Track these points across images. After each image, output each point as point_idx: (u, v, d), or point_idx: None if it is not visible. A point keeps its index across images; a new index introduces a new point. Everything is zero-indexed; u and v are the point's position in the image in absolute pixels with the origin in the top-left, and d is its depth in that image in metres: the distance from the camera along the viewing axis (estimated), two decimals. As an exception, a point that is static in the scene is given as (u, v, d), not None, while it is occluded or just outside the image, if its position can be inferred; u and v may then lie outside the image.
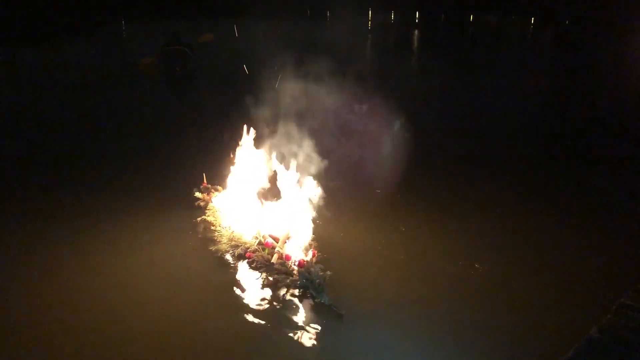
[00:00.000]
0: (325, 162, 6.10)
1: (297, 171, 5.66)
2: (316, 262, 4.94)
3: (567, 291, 4.77)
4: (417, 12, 42.59)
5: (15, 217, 6.08)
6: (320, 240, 5.45)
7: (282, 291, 4.69)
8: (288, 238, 5.22)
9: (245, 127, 6.22)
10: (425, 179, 7.46)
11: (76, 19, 29.87)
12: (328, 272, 4.75)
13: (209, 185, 6.48)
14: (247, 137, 6.20)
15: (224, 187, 6.35)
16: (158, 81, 15.03)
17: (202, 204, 6.19)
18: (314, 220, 5.64)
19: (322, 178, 5.94)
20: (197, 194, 6.29)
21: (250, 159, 6.12)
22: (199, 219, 5.87)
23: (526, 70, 17.73)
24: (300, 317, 4.39)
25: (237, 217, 5.66)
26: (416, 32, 31.36)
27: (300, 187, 5.65)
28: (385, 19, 37.81)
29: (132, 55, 17.25)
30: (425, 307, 4.56)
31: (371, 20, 35.12)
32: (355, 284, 4.88)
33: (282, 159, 5.86)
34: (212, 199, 6.20)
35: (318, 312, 4.43)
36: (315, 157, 6.03)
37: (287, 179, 5.64)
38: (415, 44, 26.01)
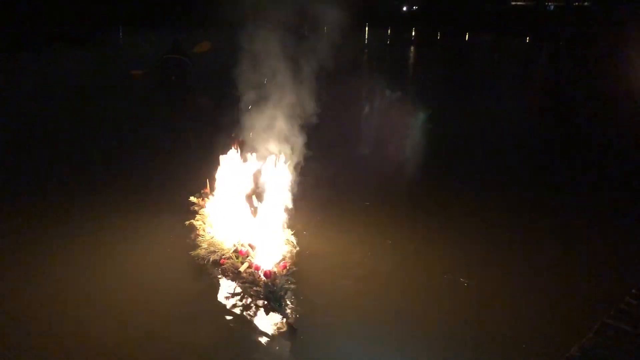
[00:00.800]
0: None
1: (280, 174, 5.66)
2: (285, 274, 4.85)
3: (552, 308, 4.71)
4: (413, 30, 43.05)
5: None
6: (304, 250, 5.42)
7: (248, 301, 4.61)
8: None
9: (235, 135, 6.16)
10: (416, 192, 7.44)
11: (73, 27, 29.92)
12: (292, 286, 4.71)
13: (208, 191, 6.36)
14: (236, 144, 6.12)
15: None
16: (152, 90, 14.99)
17: (196, 208, 6.11)
18: (299, 231, 5.60)
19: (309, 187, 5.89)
20: (192, 199, 6.22)
21: (238, 164, 6.01)
22: (187, 222, 5.79)
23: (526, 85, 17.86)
24: (260, 329, 4.29)
25: (221, 223, 5.61)
26: (412, 48, 31.65)
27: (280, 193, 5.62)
28: (382, 36, 38.14)
29: (127, 64, 17.23)
30: (402, 320, 4.48)
31: (367, 37, 35.41)
32: (335, 296, 4.80)
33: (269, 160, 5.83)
34: (206, 204, 6.13)
35: (280, 325, 4.34)
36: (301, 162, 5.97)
37: (269, 183, 5.63)
38: (412, 59, 26.23)
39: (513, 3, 60.84)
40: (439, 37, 39.25)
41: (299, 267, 5.08)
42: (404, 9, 65.84)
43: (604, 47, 26.70)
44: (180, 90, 14.71)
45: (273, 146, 5.93)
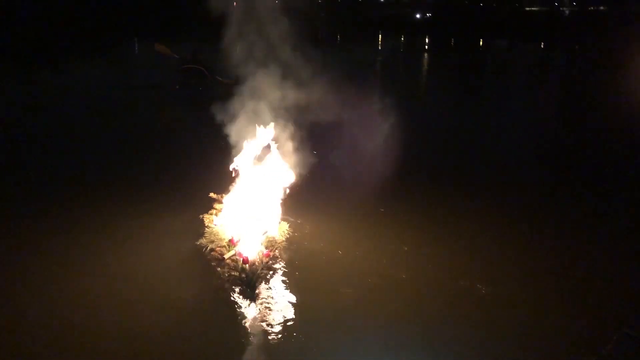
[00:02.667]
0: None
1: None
2: (266, 263, 5.21)
3: (570, 317, 4.66)
4: (426, 37, 42.98)
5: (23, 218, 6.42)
6: (317, 256, 5.58)
7: (226, 285, 4.94)
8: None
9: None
10: (431, 197, 7.43)
11: (89, 40, 30.42)
12: (270, 272, 5.15)
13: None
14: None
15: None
16: (169, 99, 15.19)
17: (215, 204, 6.32)
18: (297, 224, 5.90)
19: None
20: (212, 194, 6.44)
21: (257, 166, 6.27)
22: (200, 216, 6.12)
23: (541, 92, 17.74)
24: (228, 312, 4.59)
25: (226, 215, 5.99)
26: (425, 55, 31.59)
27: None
28: (396, 44, 38.16)
29: (142, 75, 17.52)
30: (420, 326, 4.49)
31: (381, 44, 35.45)
32: (354, 302, 4.84)
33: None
34: (223, 199, 6.33)
35: (260, 311, 4.62)
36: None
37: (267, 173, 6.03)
38: (426, 66, 26.19)
39: (527, 9, 60.55)
40: (452, 44, 39.11)
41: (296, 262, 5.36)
42: (417, 16, 65.84)
43: (620, 52, 26.42)
44: (198, 95, 15.02)
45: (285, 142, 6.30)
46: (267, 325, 4.44)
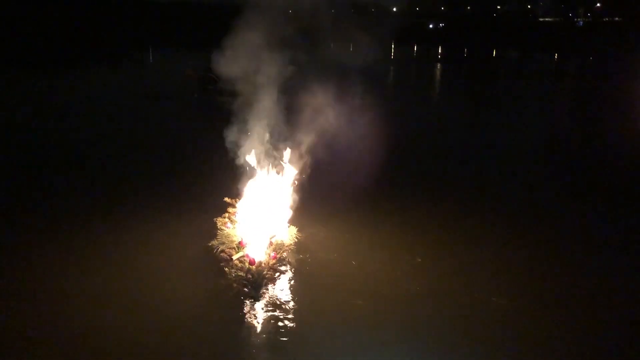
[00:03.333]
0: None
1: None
2: (273, 265, 5.35)
3: (592, 333, 4.51)
4: (439, 47, 43.03)
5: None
6: (328, 264, 5.57)
7: (234, 285, 5.08)
8: (269, 244, 5.69)
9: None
10: (445, 210, 7.32)
11: (104, 48, 30.80)
12: (277, 274, 5.29)
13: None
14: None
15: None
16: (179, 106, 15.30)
17: (229, 209, 6.40)
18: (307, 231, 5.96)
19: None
20: (226, 199, 6.52)
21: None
22: (214, 219, 6.23)
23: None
24: (241, 312, 4.67)
25: (238, 219, 6.12)
26: (438, 65, 31.56)
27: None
28: (408, 53, 38.22)
29: (156, 82, 17.66)
30: (433, 339, 4.38)
31: (393, 54, 35.51)
32: (368, 313, 4.73)
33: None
34: (237, 203, 6.43)
35: (261, 310, 4.71)
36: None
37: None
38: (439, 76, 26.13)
39: (541, 19, 60.43)
40: (465, 54, 39.08)
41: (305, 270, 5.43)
42: (430, 26, 66.00)
43: (637, 62, 26.19)
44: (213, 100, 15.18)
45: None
46: (266, 324, 4.52)
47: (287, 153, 6.37)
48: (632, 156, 10.43)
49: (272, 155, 6.45)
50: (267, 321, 4.55)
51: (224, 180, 7.04)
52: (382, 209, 7.16)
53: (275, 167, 6.37)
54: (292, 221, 6.20)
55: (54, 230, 6.23)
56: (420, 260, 5.74)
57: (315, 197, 6.90)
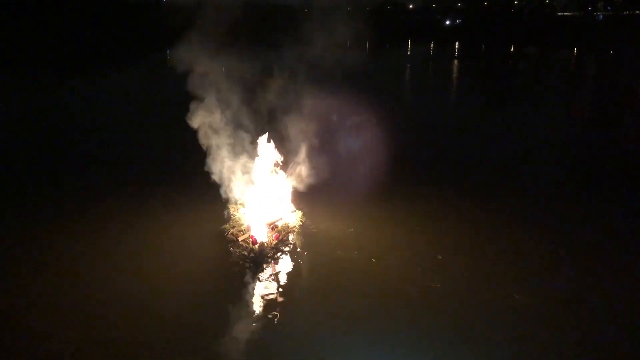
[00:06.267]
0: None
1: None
2: (275, 245, 5.92)
3: (613, 336, 4.50)
4: (456, 43, 42.72)
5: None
6: (334, 245, 5.97)
7: (240, 262, 5.64)
8: (272, 225, 6.24)
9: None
10: (468, 204, 7.34)
11: (124, 49, 31.17)
12: (279, 254, 5.81)
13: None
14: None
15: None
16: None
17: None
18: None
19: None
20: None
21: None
22: (229, 205, 6.80)
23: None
24: (241, 287, 5.22)
25: (248, 204, 6.64)
26: (455, 62, 31.36)
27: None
28: (425, 51, 38.01)
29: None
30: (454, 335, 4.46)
31: (410, 52, 35.37)
32: (396, 309, 4.83)
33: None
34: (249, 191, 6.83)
35: (260, 285, 5.24)
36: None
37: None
38: (455, 73, 25.98)
39: (560, 14, 59.60)
40: (483, 51, 38.78)
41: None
42: (447, 22, 65.58)
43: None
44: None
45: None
46: (259, 294, 5.10)
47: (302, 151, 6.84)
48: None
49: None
50: (260, 291, 5.14)
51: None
52: (404, 204, 7.24)
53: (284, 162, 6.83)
54: (304, 208, 6.77)
55: (101, 219, 6.83)
56: (440, 257, 5.79)
57: (336, 194, 7.29)
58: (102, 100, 16.38)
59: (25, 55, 29.38)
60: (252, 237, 5.94)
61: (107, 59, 28.65)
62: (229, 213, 6.61)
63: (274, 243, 5.98)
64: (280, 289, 5.15)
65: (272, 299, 4.99)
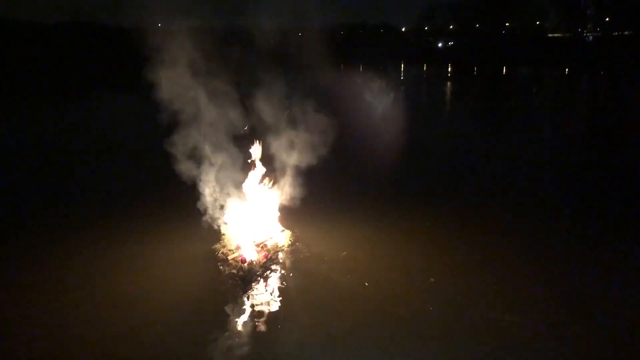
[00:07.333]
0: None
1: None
2: (264, 264, 5.98)
3: (601, 352, 4.51)
4: (449, 65, 43.21)
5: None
6: (322, 262, 6.02)
7: (229, 280, 5.73)
8: (262, 244, 6.38)
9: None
10: (461, 225, 7.35)
11: (117, 75, 31.34)
12: (268, 272, 5.88)
13: None
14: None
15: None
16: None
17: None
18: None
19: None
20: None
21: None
22: (219, 225, 6.87)
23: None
24: (229, 305, 5.28)
25: (237, 224, 6.72)
26: (448, 84, 31.68)
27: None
28: (418, 72, 38.41)
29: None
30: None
31: (403, 74, 35.73)
32: (386, 328, 4.78)
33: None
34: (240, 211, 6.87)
35: (247, 303, 5.30)
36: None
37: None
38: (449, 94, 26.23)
39: (550, 35, 60.42)
40: (475, 72, 39.21)
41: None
42: (439, 44, 66.37)
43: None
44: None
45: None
46: (247, 310, 5.18)
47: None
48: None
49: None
50: (248, 309, 5.21)
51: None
52: (397, 224, 7.23)
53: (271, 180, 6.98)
54: (294, 227, 6.91)
55: (90, 238, 6.95)
56: (433, 280, 5.76)
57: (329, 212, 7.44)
58: (94, 124, 16.42)
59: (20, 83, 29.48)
60: (241, 256, 6.10)
61: (105, 84, 28.77)
62: (220, 233, 6.70)
63: (263, 262, 6.08)
64: (269, 308, 5.19)
65: (260, 317, 5.06)
